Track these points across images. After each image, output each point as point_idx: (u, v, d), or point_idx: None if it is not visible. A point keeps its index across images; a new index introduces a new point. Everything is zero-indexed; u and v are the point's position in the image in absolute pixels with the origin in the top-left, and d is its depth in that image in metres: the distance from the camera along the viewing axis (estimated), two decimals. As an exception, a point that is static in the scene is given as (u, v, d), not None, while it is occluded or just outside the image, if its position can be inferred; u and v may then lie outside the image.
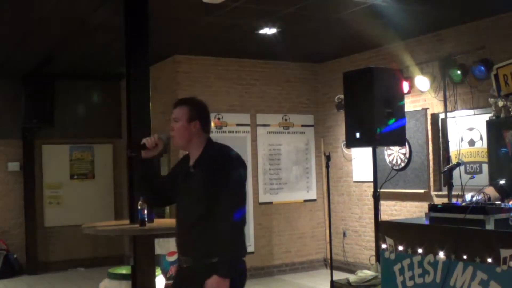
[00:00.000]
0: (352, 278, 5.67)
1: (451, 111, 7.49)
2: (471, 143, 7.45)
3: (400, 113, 6.20)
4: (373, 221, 6.78)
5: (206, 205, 3.20)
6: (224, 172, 3.20)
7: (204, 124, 3.38)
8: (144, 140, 3.44)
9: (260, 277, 8.66)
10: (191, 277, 3.24)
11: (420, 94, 7.87)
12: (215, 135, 8.78)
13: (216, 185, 3.18)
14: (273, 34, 7.56)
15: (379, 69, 6.39)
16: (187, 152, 3.48)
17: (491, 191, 4.38)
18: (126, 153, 3.50)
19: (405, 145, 7.15)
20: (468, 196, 4.07)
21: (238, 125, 9.05)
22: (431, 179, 7.80)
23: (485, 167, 7.14)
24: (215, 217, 3.17)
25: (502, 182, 4.44)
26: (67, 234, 10.20)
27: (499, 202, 4.06)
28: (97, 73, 10.14)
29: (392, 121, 6.03)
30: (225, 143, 3.49)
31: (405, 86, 7.42)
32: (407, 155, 8.04)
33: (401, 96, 6.33)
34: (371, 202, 7.12)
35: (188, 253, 3.29)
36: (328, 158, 7.02)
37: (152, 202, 3.68)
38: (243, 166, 3.32)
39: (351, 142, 6.38)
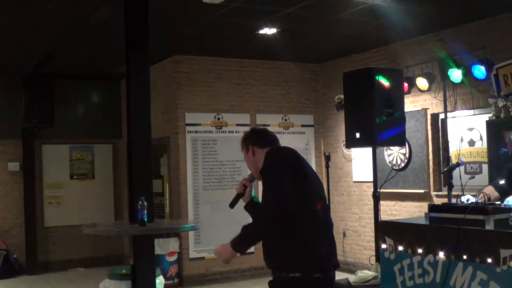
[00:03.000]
0: (352, 278, 5.66)
1: (451, 111, 7.49)
2: (471, 143, 7.45)
3: (400, 113, 6.20)
4: (373, 221, 6.78)
5: None
6: (264, 175, 3.29)
7: (256, 143, 3.45)
8: (236, 191, 3.58)
9: (260, 277, 8.66)
10: None
11: (420, 94, 7.87)
12: (215, 135, 8.79)
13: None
14: (273, 34, 7.55)
15: (379, 69, 6.39)
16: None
17: (491, 191, 4.38)
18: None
19: (405, 145, 7.15)
20: (464, 198, 4.07)
21: (238, 125, 9.03)
22: (431, 179, 7.80)
23: (485, 167, 7.14)
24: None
25: (502, 182, 4.44)
26: (67, 234, 10.19)
27: (498, 202, 4.06)
28: (97, 73, 10.14)
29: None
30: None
31: (405, 86, 7.42)
32: (407, 155, 8.04)
33: (401, 96, 6.33)
34: (371, 202, 7.11)
35: (268, 266, 3.37)
36: (328, 158, 7.02)
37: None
38: (279, 161, 3.26)
39: (351, 142, 6.38)
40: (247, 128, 3.81)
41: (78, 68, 9.62)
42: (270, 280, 3.39)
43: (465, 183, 4.66)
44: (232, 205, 3.56)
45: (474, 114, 7.27)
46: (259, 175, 3.41)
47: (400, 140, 6.29)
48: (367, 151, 7.70)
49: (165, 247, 8.36)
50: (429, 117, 7.85)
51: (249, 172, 3.63)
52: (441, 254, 3.73)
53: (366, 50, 8.68)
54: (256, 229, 3.23)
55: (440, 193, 7.64)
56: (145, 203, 4.96)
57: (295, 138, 9.56)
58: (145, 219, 4.98)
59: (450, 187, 5.20)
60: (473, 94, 7.18)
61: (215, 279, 8.76)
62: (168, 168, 9.08)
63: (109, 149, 10.87)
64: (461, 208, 3.76)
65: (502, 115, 6.65)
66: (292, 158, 3.31)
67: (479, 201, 4.05)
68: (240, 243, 3.23)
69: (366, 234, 8.82)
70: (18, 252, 9.85)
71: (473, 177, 6.93)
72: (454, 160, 7.36)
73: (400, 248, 4.04)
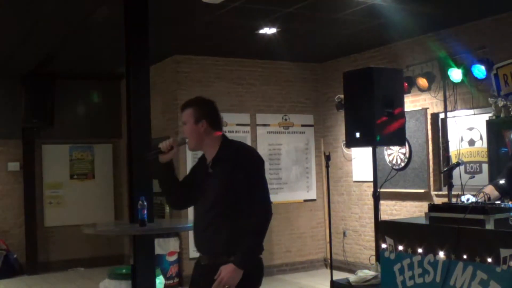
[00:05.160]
0: (352, 278, 5.67)
1: (451, 111, 7.49)
2: (471, 143, 7.45)
3: (400, 113, 6.20)
4: (373, 220, 6.78)
5: (226, 203, 3.26)
6: (246, 171, 3.26)
7: (212, 122, 3.38)
8: (160, 145, 3.40)
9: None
10: (210, 275, 3.25)
11: (420, 94, 7.87)
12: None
13: (237, 184, 3.24)
14: (273, 34, 7.56)
15: (379, 69, 6.39)
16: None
17: (491, 190, 4.38)
18: (145, 157, 3.59)
19: (405, 145, 7.15)
20: (464, 198, 4.07)
21: (238, 125, 9.05)
22: (431, 179, 7.81)
23: (485, 167, 7.14)
24: (235, 216, 3.23)
25: (501, 181, 4.44)
26: (67, 234, 10.19)
27: (499, 202, 4.05)
28: (97, 73, 10.14)
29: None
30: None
31: (405, 86, 7.42)
32: (407, 155, 8.05)
33: (401, 96, 6.33)
34: (371, 201, 7.12)
35: (206, 251, 3.36)
36: (328, 158, 7.01)
37: (173, 204, 3.71)
38: (263, 163, 3.41)
39: (351, 142, 6.38)
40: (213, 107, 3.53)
41: (78, 67, 9.62)
42: (205, 264, 3.36)
43: (465, 183, 4.65)
44: (149, 157, 3.50)
45: (474, 114, 7.28)
46: (195, 147, 3.38)
47: (400, 139, 6.30)
48: (367, 151, 7.70)
49: (165, 247, 8.37)
50: (429, 116, 7.85)
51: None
52: (441, 254, 3.73)
53: (366, 50, 8.68)
54: (257, 233, 3.25)
55: (440, 192, 7.64)
56: (145, 203, 4.96)
57: (295, 138, 9.56)
58: (145, 219, 4.99)
59: (450, 186, 5.21)
60: (473, 94, 7.18)
61: (215, 279, 8.75)
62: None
63: (109, 149, 10.87)
64: (461, 208, 3.76)
65: (502, 115, 6.65)
66: None
67: (479, 200, 4.05)
68: (247, 260, 3.22)
69: (366, 234, 8.82)
70: (18, 252, 9.85)
71: (473, 177, 6.93)
72: (454, 160, 7.36)
73: (400, 247, 4.04)
